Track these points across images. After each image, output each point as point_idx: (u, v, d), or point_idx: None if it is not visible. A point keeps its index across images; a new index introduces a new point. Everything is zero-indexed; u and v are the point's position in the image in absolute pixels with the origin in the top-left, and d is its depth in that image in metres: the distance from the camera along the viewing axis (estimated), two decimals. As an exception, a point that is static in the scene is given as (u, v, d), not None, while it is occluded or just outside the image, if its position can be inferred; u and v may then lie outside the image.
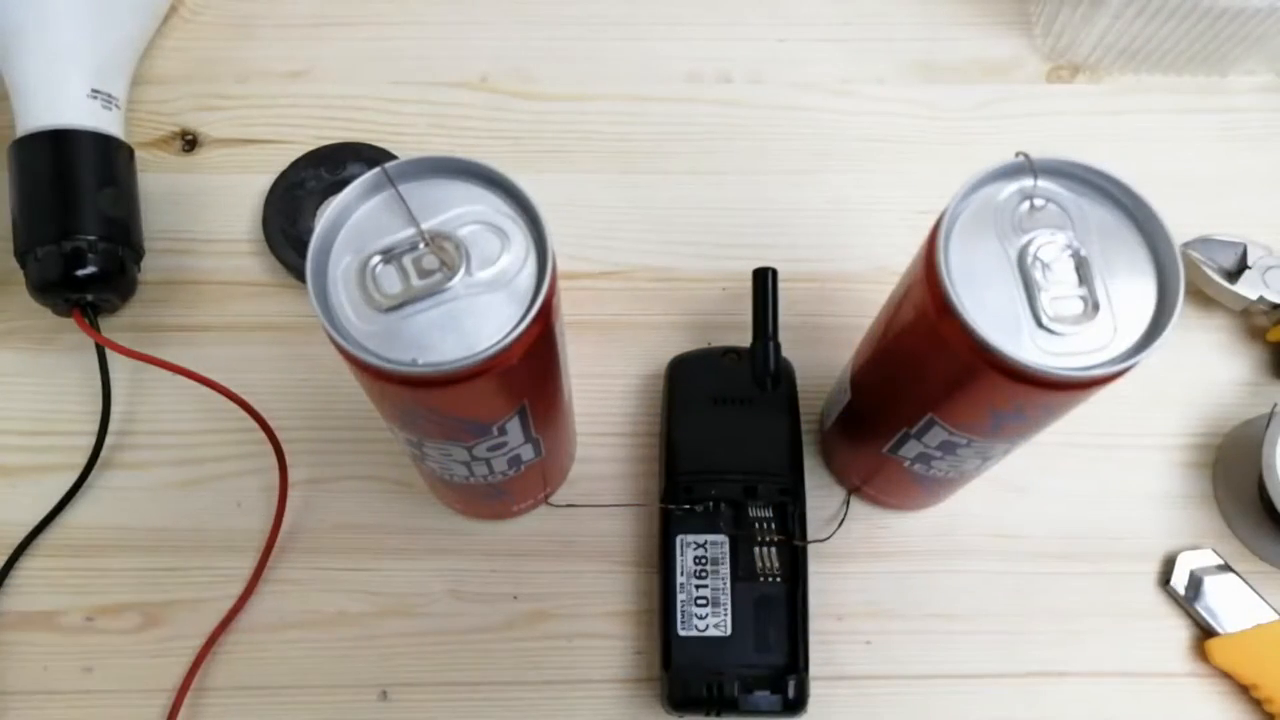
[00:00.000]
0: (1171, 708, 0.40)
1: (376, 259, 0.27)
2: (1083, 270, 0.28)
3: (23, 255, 0.42)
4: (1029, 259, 0.28)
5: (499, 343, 0.26)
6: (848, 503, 0.42)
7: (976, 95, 0.50)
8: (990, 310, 0.27)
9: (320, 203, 0.46)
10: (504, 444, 0.32)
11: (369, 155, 0.47)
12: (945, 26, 0.51)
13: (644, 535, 0.42)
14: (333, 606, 0.41)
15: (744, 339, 0.40)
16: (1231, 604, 0.40)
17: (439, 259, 0.27)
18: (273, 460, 0.41)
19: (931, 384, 0.31)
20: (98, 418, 0.42)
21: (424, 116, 0.49)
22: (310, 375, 0.44)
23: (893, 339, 0.33)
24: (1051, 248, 0.28)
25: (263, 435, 0.41)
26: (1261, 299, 0.43)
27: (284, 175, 0.46)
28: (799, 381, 0.42)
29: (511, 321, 0.26)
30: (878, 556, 0.42)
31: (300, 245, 0.44)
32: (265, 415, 0.42)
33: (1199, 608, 0.40)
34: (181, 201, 0.47)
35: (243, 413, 0.41)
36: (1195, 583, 0.41)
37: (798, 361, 0.42)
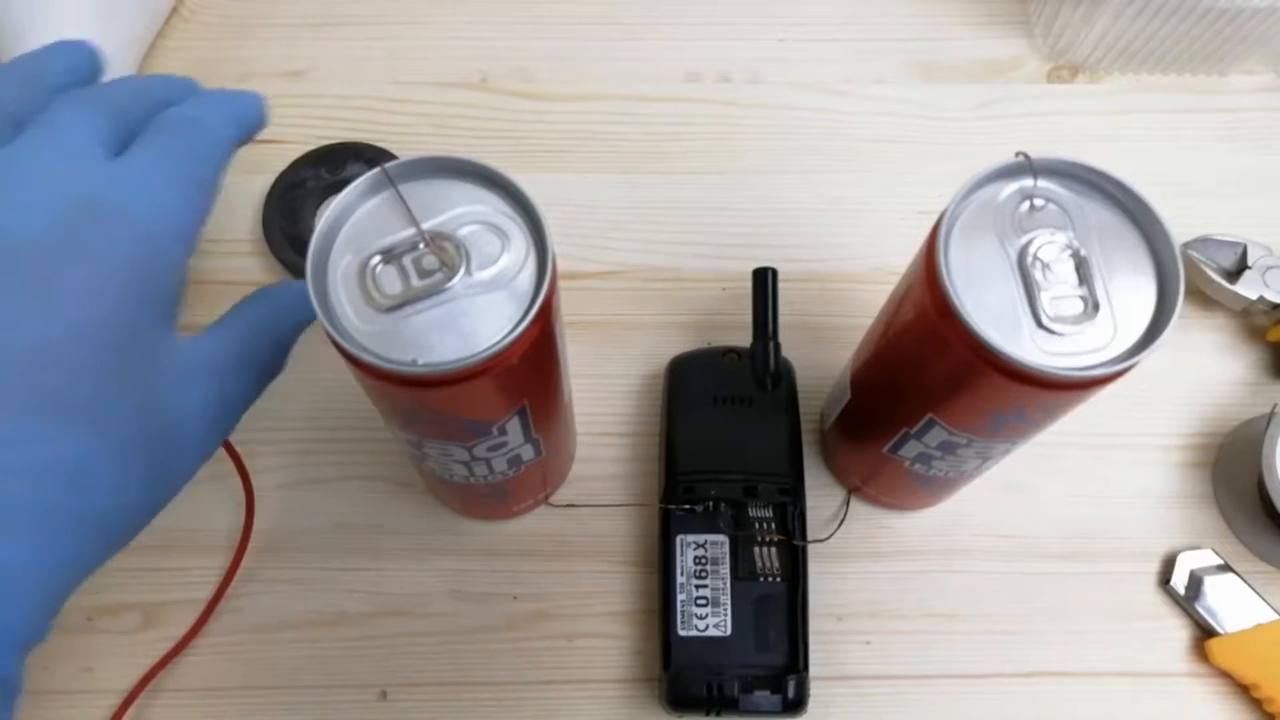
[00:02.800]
0: (1171, 708, 0.40)
1: (376, 259, 0.27)
2: (1083, 270, 0.28)
3: (23, 255, 0.42)
4: (1029, 259, 0.28)
5: (499, 343, 0.26)
6: (848, 503, 0.42)
7: (976, 95, 0.50)
8: (990, 310, 0.27)
9: (320, 203, 0.46)
10: (504, 444, 0.32)
11: (369, 155, 0.47)
12: (945, 26, 0.51)
13: (644, 535, 0.42)
14: (333, 606, 0.41)
15: (744, 339, 0.40)
16: (1231, 604, 0.40)
17: (439, 259, 0.27)
18: (273, 461, 0.42)
19: (931, 384, 0.31)
20: (98, 418, 0.42)
21: (424, 116, 0.49)
22: (310, 375, 0.44)
23: (893, 339, 0.33)
24: (1051, 248, 0.28)
25: (262, 436, 0.41)
26: (1261, 299, 0.43)
27: (284, 175, 0.46)
28: (799, 381, 0.42)
29: (511, 321, 0.26)
30: (878, 556, 0.42)
31: (300, 245, 0.44)
32: (264, 415, 0.41)
33: (1199, 608, 0.40)
34: (181, 201, 0.47)
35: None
36: (1195, 583, 0.41)
37: (798, 361, 0.42)
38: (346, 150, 0.47)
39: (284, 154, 0.47)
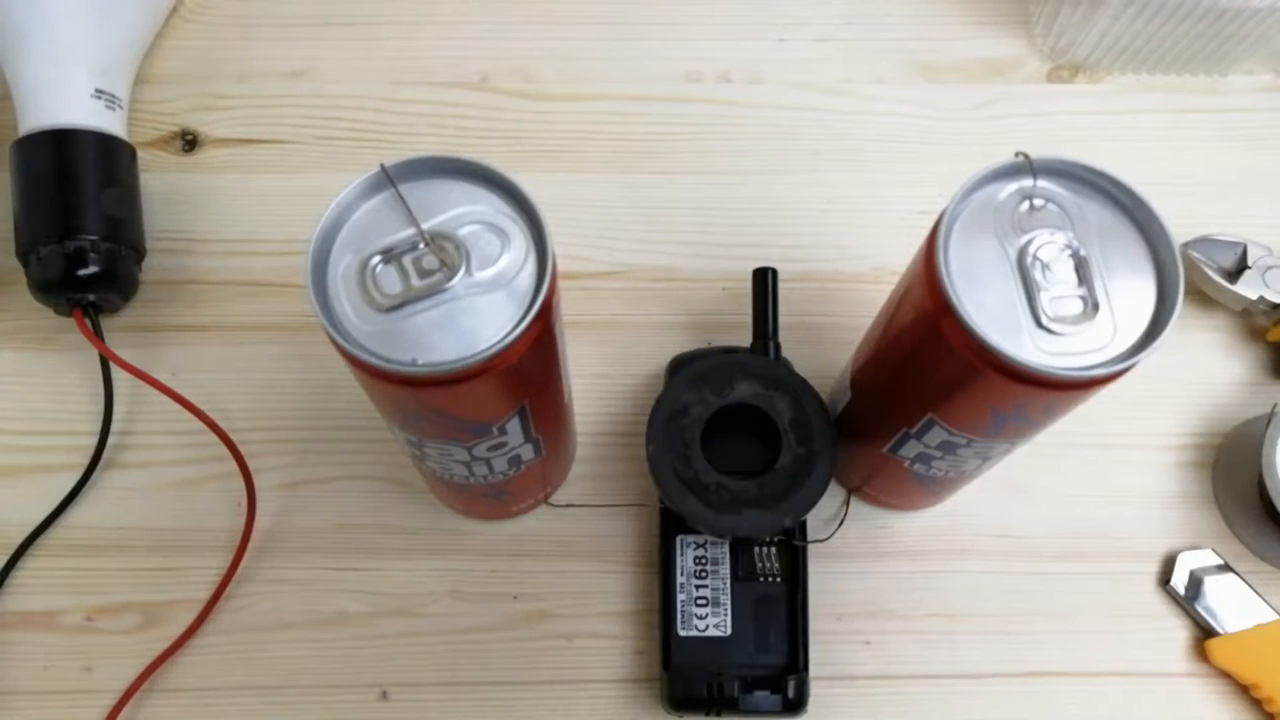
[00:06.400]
0: (1171, 708, 0.40)
1: (376, 259, 0.27)
2: (1082, 270, 0.28)
3: (24, 255, 0.42)
4: (1029, 259, 0.28)
5: (499, 343, 0.26)
6: (848, 503, 0.42)
7: (976, 95, 0.50)
8: (990, 310, 0.27)
9: (706, 432, 0.36)
10: (504, 444, 0.32)
11: (757, 370, 0.37)
12: (945, 26, 0.51)
13: (644, 535, 0.42)
14: (333, 606, 0.41)
15: (744, 339, 0.40)
16: (1231, 604, 0.40)
17: (439, 259, 0.27)
18: (273, 461, 0.42)
19: (931, 384, 0.31)
20: (98, 417, 0.42)
21: (424, 116, 0.49)
22: (310, 375, 0.44)
23: (893, 339, 0.33)
24: (1051, 248, 0.28)
25: (262, 436, 0.41)
26: (1261, 299, 0.43)
27: (663, 401, 0.35)
28: (799, 381, 0.42)
29: (511, 321, 0.26)
30: (878, 556, 0.42)
31: (698, 487, 0.35)
32: (264, 415, 0.42)
33: (1199, 608, 0.40)
34: (182, 201, 0.47)
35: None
36: (1195, 583, 0.41)
37: (798, 361, 0.42)
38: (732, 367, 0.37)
39: (284, 154, 0.47)
